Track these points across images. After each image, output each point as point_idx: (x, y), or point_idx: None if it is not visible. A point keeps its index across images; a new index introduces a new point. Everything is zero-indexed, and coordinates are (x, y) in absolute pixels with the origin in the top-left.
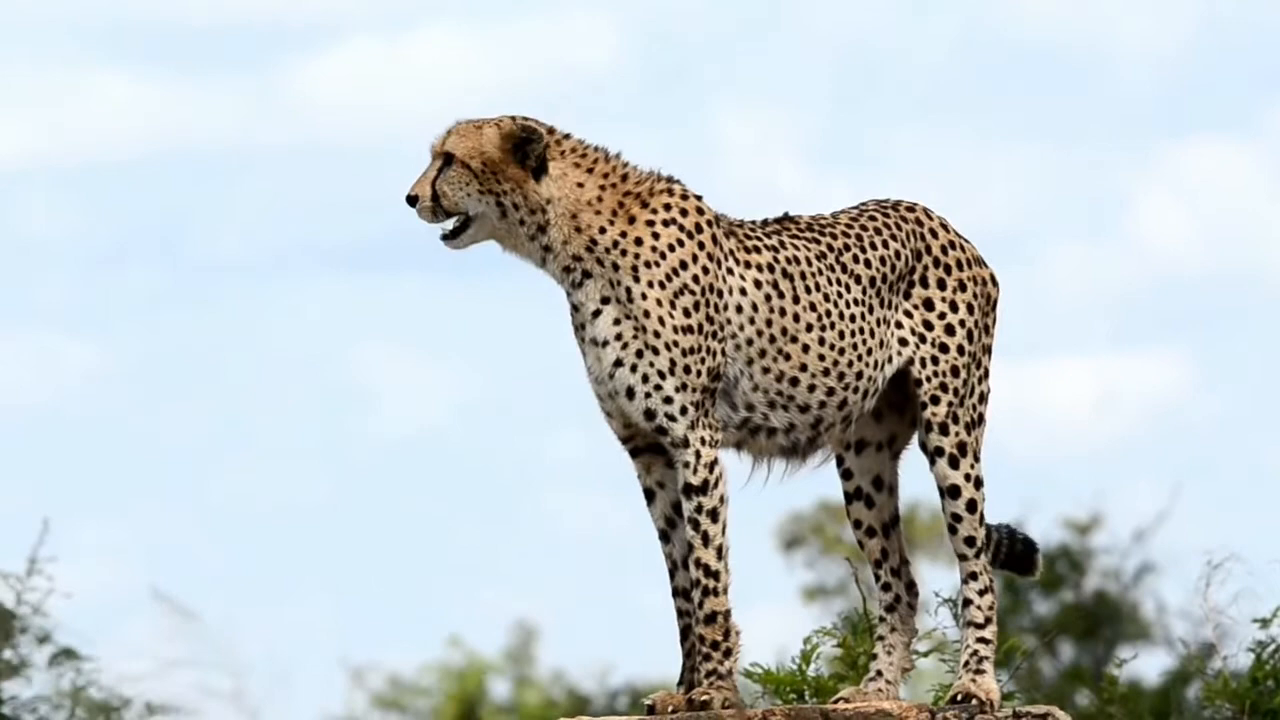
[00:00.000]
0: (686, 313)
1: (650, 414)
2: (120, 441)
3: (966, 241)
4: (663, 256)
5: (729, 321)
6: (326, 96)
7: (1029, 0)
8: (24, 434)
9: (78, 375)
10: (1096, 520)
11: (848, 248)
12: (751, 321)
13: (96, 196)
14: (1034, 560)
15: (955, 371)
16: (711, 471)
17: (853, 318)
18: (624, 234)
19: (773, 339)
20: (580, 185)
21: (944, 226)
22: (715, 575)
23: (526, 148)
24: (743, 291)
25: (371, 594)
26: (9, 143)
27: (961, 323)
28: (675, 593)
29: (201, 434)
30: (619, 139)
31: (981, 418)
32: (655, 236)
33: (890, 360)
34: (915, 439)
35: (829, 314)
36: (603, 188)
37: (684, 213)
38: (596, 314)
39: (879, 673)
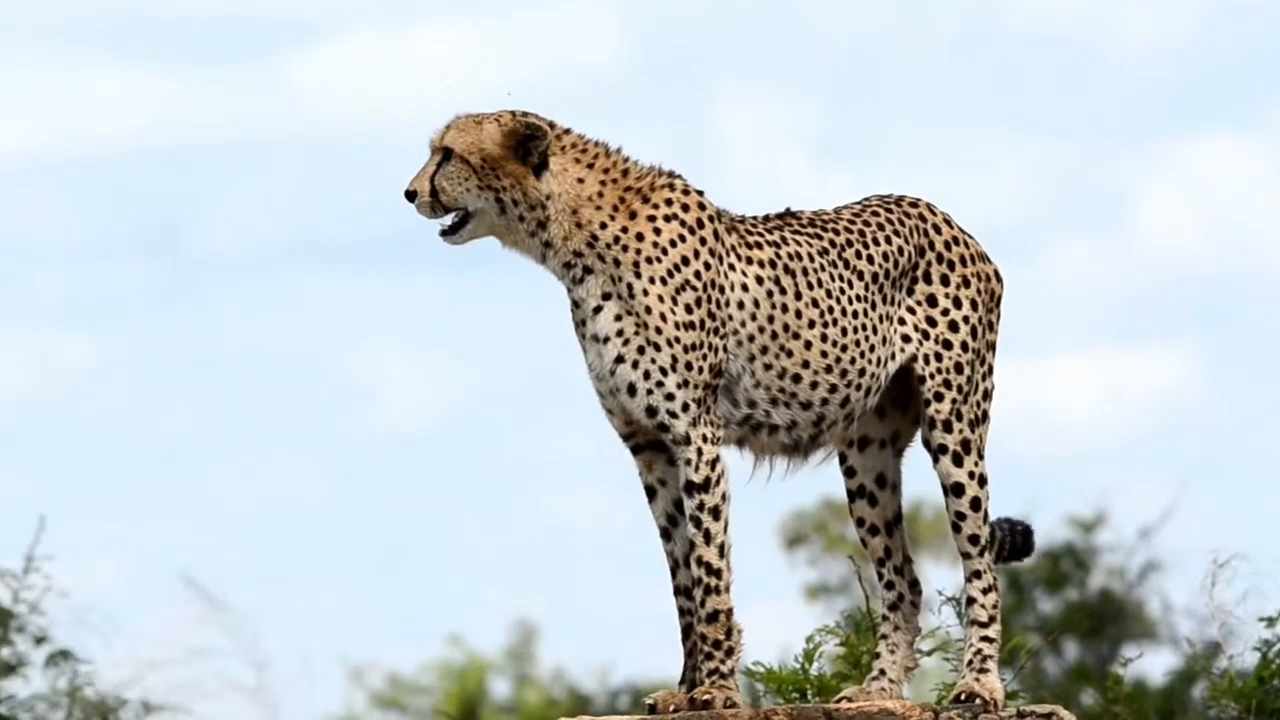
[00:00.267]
0: (688, 309)
1: (652, 411)
2: (117, 438)
3: (970, 238)
4: (664, 252)
5: (730, 318)
6: (326, 90)
7: None
8: (20, 431)
9: (75, 371)
10: (1101, 518)
11: (850, 244)
12: (753, 318)
13: (94, 191)
14: (1031, 543)
15: (959, 368)
16: (713, 469)
17: (855, 314)
18: (625, 229)
19: (774, 335)
20: (581, 181)
21: (947, 222)
22: (717, 573)
23: (529, 144)
24: (744, 288)
25: (371, 592)
26: (6, 138)
27: (965, 319)
28: (677, 591)
29: (200, 431)
30: (620, 133)
31: (985, 415)
32: (657, 232)
33: (893, 357)
34: (919, 436)
35: (831, 310)
36: (603, 183)
37: (685, 208)
38: (597, 310)
39: (882, 672)
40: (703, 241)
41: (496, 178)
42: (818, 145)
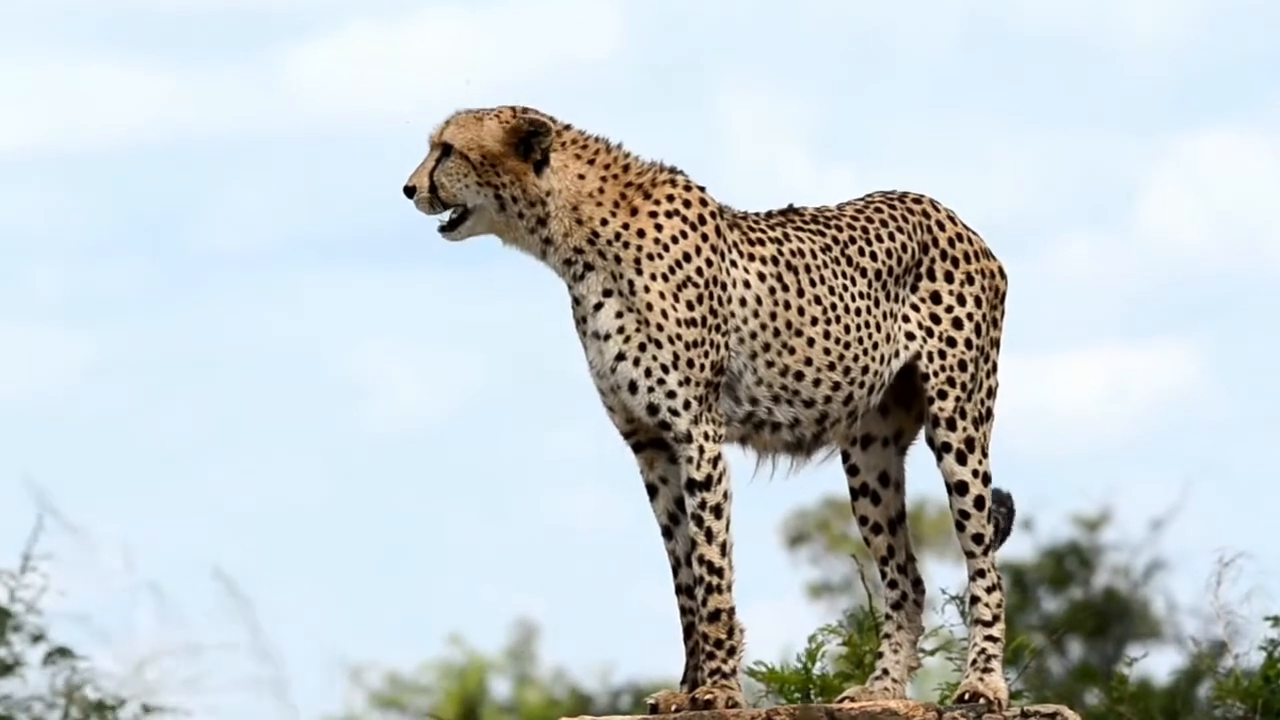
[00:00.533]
0: (690, 306)
1: (653, 409)
2: (115, 436)
3: (974, 234)
4: (666, 249)
5: (733, 315)
6: (324, 85)
7: None
8: (17, 428)
9: (72, 369)
10: (1106, 517)
11: (853, 240)
12: (755, 315)
13: (90, 187)
14: (1012, 510)
15: (962, 366)
16: (715, 467)
17: (858, 311)
18: (626, 226)
19: (777, 333)
20: (581, 177)
21: (951, 218)
22: (719, 572)
23: (532, 141)
24: (746, 284)
25: (370, 591)
26: (3, 134)
27: (969, 316)
28: (678, 590)
29: (198, 429)
30: (620, 128)
31: (989, 413)
32: (658, 228)
33: (897, 355)
34: (922, 434)
35: (834, 307)
36: (604, 179)
37: (687, 204)
38: (598, 307)
39: (885, 671)
40: (704, 238)
41: (496, 174)
42: (820, 140)
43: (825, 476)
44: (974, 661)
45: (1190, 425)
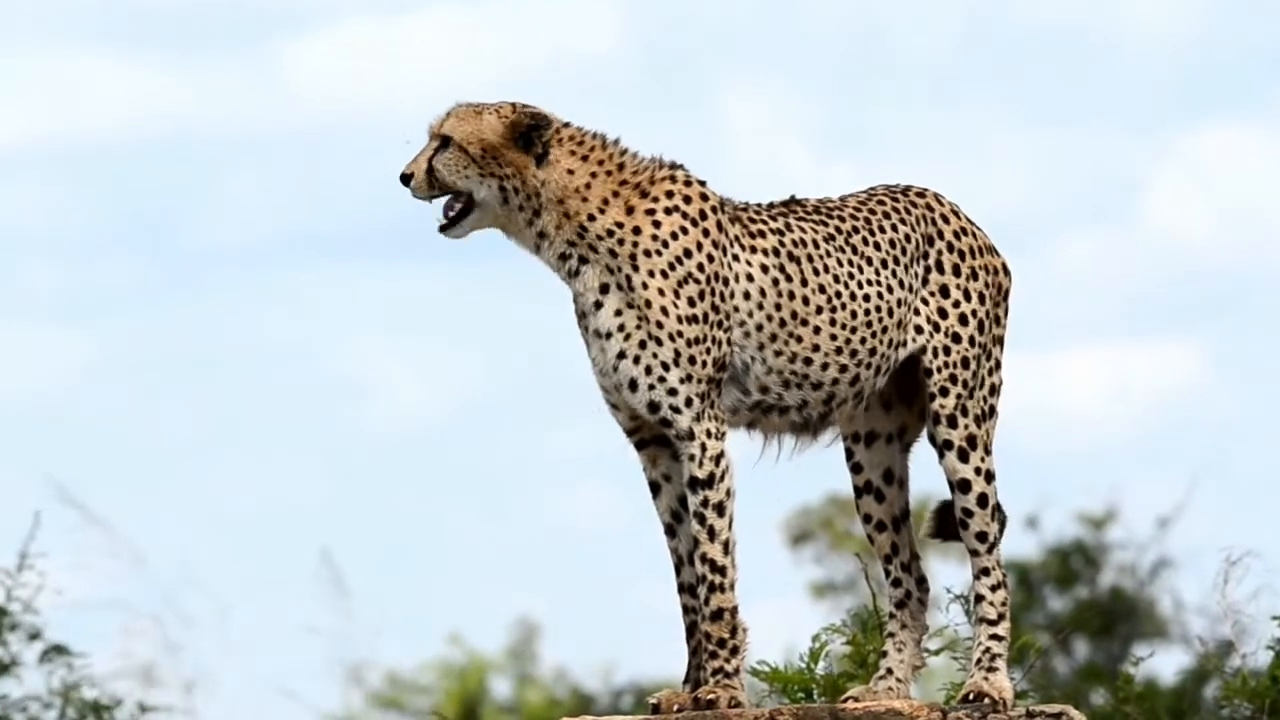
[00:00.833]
0: (691, 302)
1: (654, 406)
2: (112, 435)
3: (978, 229)
4: (665, 245)
5: (736, 309)
6: (322, 81)
7: None
8: (12, 427)
9: (68, 367)
10: (1111, 515)
11: (856, 230)
12: (760, 307)
13: (87, 183)
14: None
15: (965, 363)
16: (717, 464)
17: (865, 297)
18: (620, 223)
19: (782, 323)
20: (570, 172)
21: (955, 213)
22: (721, 571)
23: (533, 134)
24: (749, 277)
25: (369, 590)
26: None
27: (973, 313)
28: (681, 589)
29: (196, 427)
30: (621, 123)
31: (993, 410)
32: (656, 225)
33: (905, 343)
34: (925, 431)
35: (839, 295)
36: (594, 175)
37: (687, 200)
38: (598, 304)
39: (889, 671)
40: (705, 234)
41: (499, 165)
42: (822, 134)
43: (829, 474)
44: (979, 661)
45: (1196, 422)
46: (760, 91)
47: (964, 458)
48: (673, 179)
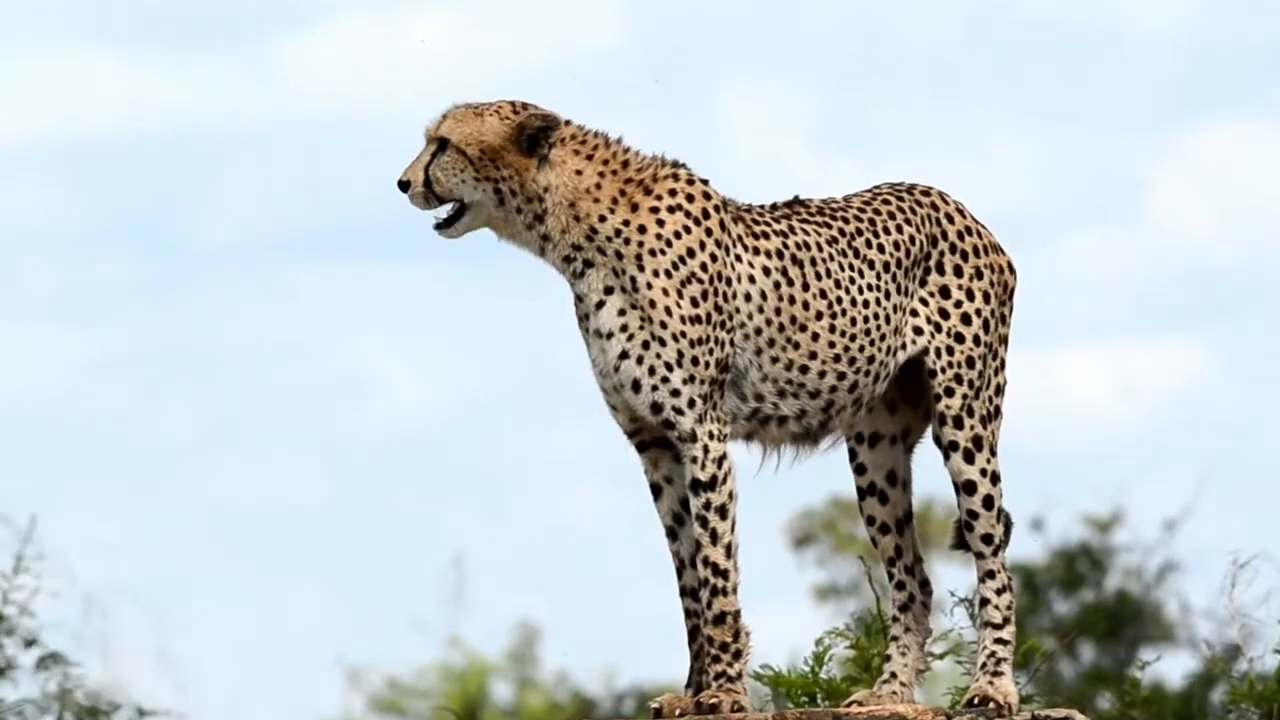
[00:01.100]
0: (694, 302)
1: (657, 407)
2: (109, 435)
3: (983, 227)
4: (668, 244)
5: (737, 311)
6: (320, 76)
7: None
8: (8, 428)
9: (63, 366)
10: (1118, 517)
11: (860, 232)
12: (760, 310)
13: (82, 180)
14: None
15: (970, 363)
16: (720, 466)
17: (865, 304)
18: (626, 222)
19: (782, 328)
20: (579, 173)
21: (960, 212)
22: (724, 574)
23: (539, 137)
24: (751, 279)
25: (368, 594)
26: None
27: (978, 312)
28: (683, 592)
29: (192, 427)
30: (621, 119)
31: (998, 410)
32: (660, 224)
33: (904, 347)
34: (929, 432)
35: (840, 300)
36: (602, 174)
37: (690, 198)
38: (600, 305)
39: (893, 675)
40: (708, 233)
41: (496, 168)
42: (825, 131)
43: (832, 476)
44: (984, 665)
45: (1203, 423)
46: (761, 89)
47: (969, 459)
48: (675, 177)
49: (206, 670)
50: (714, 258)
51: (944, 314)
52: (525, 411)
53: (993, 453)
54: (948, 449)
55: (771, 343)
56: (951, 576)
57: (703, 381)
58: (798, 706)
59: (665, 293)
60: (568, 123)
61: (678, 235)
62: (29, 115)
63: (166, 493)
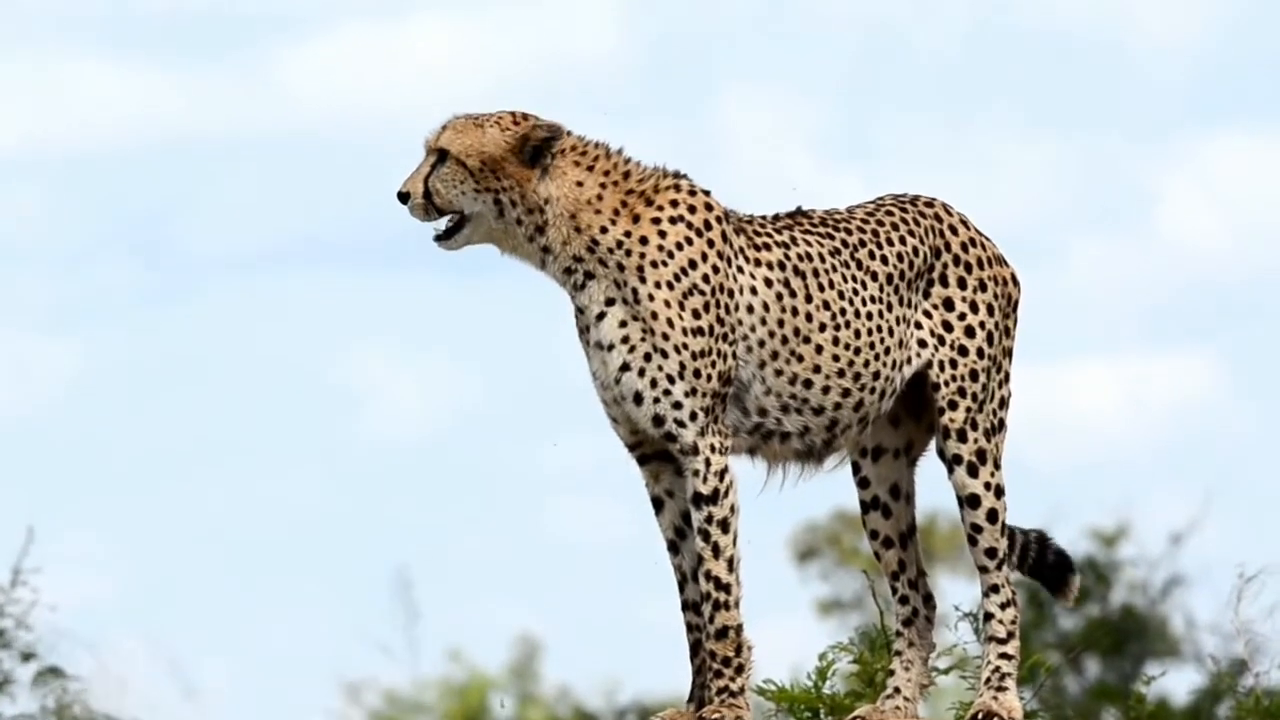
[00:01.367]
0: (696, 314)
1: (658, 420)
2: (105, 447)
3: (987, 239)
4: (670, 255)
5: (740, 323)
6: (317, 85)
7: None
8: (3, 440)
9: (59, 378)
10: (1123, 531)
11: (863, 243)
12: (763, 322)
13: (76, 190)
14: (1066, 581)
15: (974, 376)
16: (722, 480)
17: (869, 315)
18: (628, 233)
19: (785, 340)
20: (579, 184)
21: (964, 223)
22: (726, 588)
23: (542, 148)
24: (753, 291)
25: (365, 607)
26: None
27: (981, 324)
28: (685, 606)
29: (189, 438)
30: (621, 129)
31: (1002, 423)
32: (662, 235)
33: (909, 361)
34: (933, 446)
35: (843, 312)
36: (603, 186)
37: (692, 209)
38: (601, 316)
39: (897, 690)
40: (710, 244)
41: (496, 179)
42: (828, 141)
43: (835, 490)
44: (988, 680)
45: (1210, 436)
46: (763, 99)
47: (973, 472)
48: (677, 188)
49: (203, 683)
50: (716, 269)
51: (947, 327)
52: (527, 423)
53: (997, 466)
54: (951, 462)
55: (775, 355)
56: (955, 591)
57: (705, 394)
58: None
59: (667, 304)
60: (568, 134)
61: (680, 247)
62: (21, 122)
63: (163, 504)
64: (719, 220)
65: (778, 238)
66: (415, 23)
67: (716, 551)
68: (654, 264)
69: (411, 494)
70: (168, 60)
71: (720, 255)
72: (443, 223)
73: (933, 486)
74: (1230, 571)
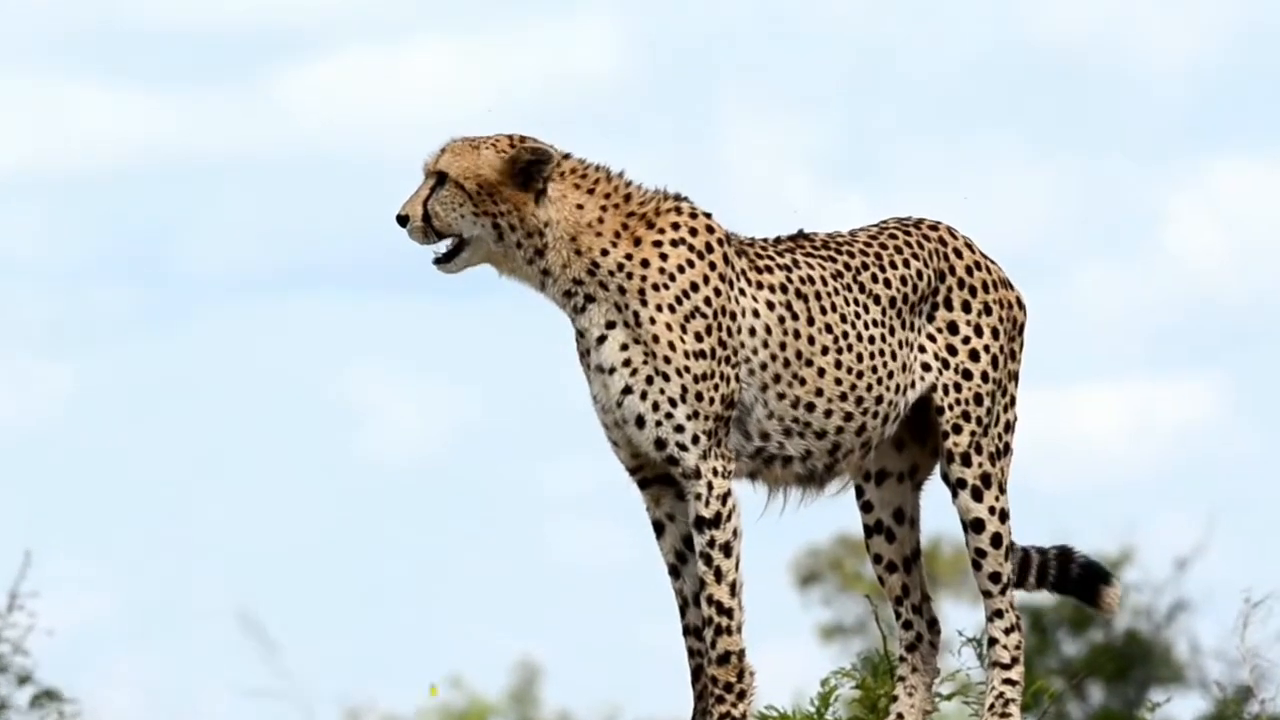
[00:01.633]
0: (698, 337)
1: (661, 443)
2: (102, 470)
3: (992, 262)
4: (672, 278)
5: (742, 345)
6: (317, 108)
7: (1053, 8)
8: (2, 462)
9: (56, 400)
10: (1128, 555)
11: (866, 266)
12: (765, 345)
13: (75, 211)
14: (1099, 591)
15: (979, 399)
16: (724, 504)
17: (871, 339)
18: (629, 256)
19: (787, 363)
20: (580, 207)
21: (969, 246)
22: (728, 613)
23: (533, 170)
24: (755, 314)
25: (366, 630)
26: None
27: (986, 348)
28: (686, 631)
29: (188, 460)
30: (622, 151)
31: (1007, 448)
32: (664, 258)
33: (913, 385)
34: (938, 470)
35: (845, 336)
36: (604, 209)
37: (693, 232)
38: (602, 340)
39: (900, 716)
40: (712, 266)
41: (494, 203)
42: (830, 163)
43: (838, 514)
44: (992, 706)
45: (1215, 460)
46: (765, 121)
47: (978, 497)
48: (678, 211)
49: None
50: (718, 292)
51: (952, 350)
52: (527, 446)
53: (1002, 490)
54: (956, 486)
55: (777, 378)
56: (959, 616)
57: (707, 417)
58: None
59: (669, 327)
60: (568, 156)
61: (681, 269)
62: (20, 143)
63: (162, 527)
64: (721, 243)
65: (780, 260)
66: (415, 44)
67: (719, 576)
68: (655, 287)
69: (410, 516)
70: (167, 81)
71: (722, 278)
72: (442, 246)
73: (936, 510)
74: (1235, 596)
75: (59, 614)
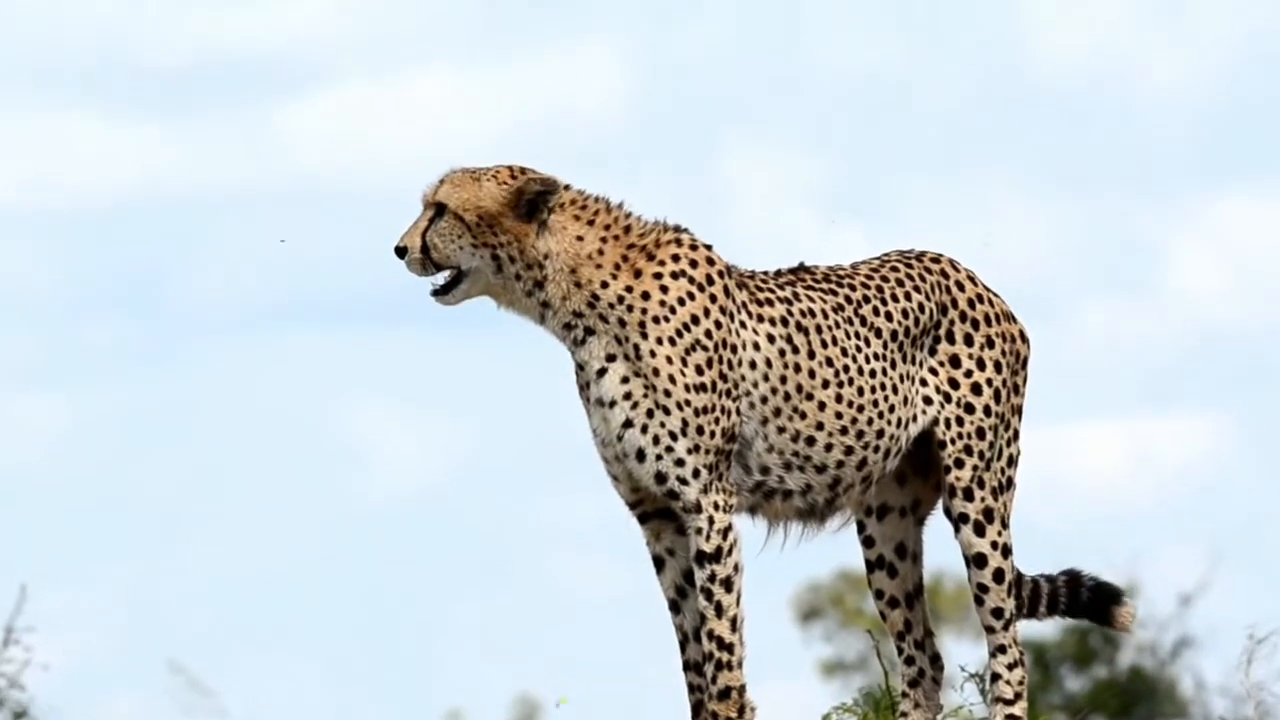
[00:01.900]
0: (699, 370)
1: (661, 477)
2: (98, 504)
3: (995, 296)
4: (673, 311)
5: (742, 378)
6: (315, 141)
7: (1055, 44)
8: None
9: (51, 435)
10: (1131, 591)
11: (867, 299)
12: (765, 379)
13: (71, 244)
14: (1111, 612)
15: (981, 433)
16: (725, 538)
17: (873, 373)
18: (629, 288)
19: (787, 397)
20: (580, 238)
21: (971, 280)
22: (729, 648)
23: (538, 202)
24: (756, 346)
25: (365, 665)
26: None
27: (989, 381)
28: (687, 666)
29: (183, 496)
30: (622, 184)
31: (1010, 482)
32: (664, 290)
33: (915, 419)
34: (940, 505)
35: (846, 369)
36: (604, 240)
37: (694, 264)
38: (602, 373)
39: None
40: (712, 299)
41: (494, 234)
42: (831, 197)
43: (840, 549)
44: None
45: (1219, 496)
46: (767, 152)
47: (980, 531)
48: (678, 243)
49: None
50: (718, 325)
51: (954, 384)
52: (526, 480)
53: (1004, 525)
54: (958, 521)
55: (777, 412)
56: (962, 651)
57: (708, 451)
58: None
59: (669, 360)
60: (568, 187)
61: (681, 302)
62: (15, 177)
63: (158, 562)
64: (721, 275)
65: (780, 293)
66: (414, 78)
67: (719, 611)
68: (656, 320)
69: (409, 551)
70: (164, 115)
71: (723, 310)
72: (440, 277)
73: (939, 545)
74: (1240, 632)
75: (55, 648)
